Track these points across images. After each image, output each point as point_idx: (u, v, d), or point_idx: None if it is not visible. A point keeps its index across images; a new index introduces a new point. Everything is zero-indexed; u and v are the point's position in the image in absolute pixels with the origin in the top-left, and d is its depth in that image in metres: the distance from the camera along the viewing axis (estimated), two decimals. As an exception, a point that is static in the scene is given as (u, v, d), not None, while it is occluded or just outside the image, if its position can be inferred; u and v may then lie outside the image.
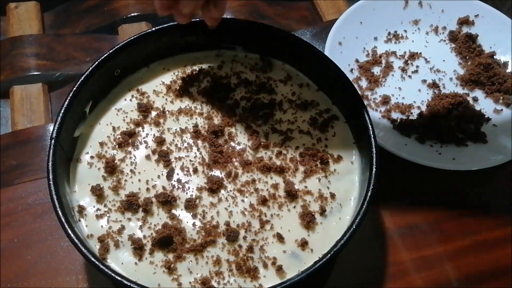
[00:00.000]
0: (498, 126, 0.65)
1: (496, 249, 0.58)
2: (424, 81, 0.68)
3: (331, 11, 0.75)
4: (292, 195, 0.50)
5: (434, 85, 0.68)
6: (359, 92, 0.65)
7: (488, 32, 0.72)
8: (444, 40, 0.72)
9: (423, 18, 0.73)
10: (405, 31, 0.73)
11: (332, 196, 0.50)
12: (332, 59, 0.55)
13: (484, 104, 0.67)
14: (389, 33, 0.72)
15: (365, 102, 0.65)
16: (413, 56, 0.70)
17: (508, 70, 0.70)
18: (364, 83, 0.68)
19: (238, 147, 0.52)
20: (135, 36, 0.54)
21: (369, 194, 0.47)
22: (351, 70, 0.68)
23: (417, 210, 0.60)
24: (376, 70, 0.69)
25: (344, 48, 0.68)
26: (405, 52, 0.71)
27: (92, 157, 0.51)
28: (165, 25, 0.55)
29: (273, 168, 0.51)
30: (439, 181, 0.62)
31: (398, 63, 0.70)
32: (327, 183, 0.51)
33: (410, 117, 0.64)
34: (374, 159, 0.48)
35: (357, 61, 0.69)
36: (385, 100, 0.66)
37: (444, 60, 0.71)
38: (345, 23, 0.69)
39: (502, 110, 0.67)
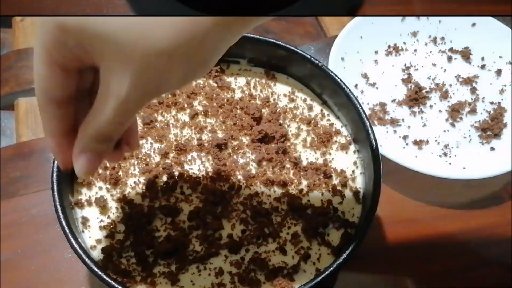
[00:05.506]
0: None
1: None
2: (427, 92, 0.69)
3: (335, 26, 0.75)
4: (295, 208, 0.50)
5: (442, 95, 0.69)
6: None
7: (485, 41, 0.72)
8: (444, 51, 0.73)
9: (421, 29, 0.73)
10: (404, 43, 0.73)
11: (335, 210, 0.50)
12: (336, 74, 0.55)
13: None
14: (388, 46, 0.72)
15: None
16: (415, 67, 0.71)
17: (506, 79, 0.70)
18: None
19: (241, 161, 0.53)
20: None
21: (372, 209, 0.47)
22: (356, 86, 0.68)
23: (420, 224, 0.60)
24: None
25: (346, 63, 0.68)
26: (405, 64, 0.71)
27: (96, 168, 0.51)
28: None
29: (276, 182, 0.51)
30: (444, 194, 0.63)
31: (400, 75, 0.70)
32: (330, 197, 0.51)
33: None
34: (378, 172, 0.48)
35: (360, 75, 0.70)
36: None
37: (445, 70, 0.71)
38: (345, 39, 0.69)
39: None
